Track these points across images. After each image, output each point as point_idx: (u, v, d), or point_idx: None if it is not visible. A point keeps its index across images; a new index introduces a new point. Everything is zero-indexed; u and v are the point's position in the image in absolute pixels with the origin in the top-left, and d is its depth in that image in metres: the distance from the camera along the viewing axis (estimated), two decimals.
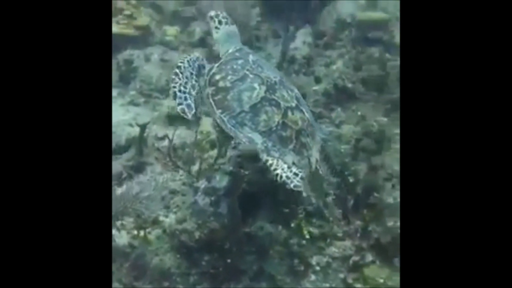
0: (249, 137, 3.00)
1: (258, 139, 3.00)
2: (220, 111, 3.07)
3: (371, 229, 3.50)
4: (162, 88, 5.00)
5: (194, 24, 5.79)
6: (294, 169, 2.91)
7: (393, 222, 3.43)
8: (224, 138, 3.53)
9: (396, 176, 3.76)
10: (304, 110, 3.20)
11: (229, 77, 3.14)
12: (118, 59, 5.24)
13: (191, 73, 3.20)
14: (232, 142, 3.58)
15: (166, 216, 3.58)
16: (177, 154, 3.86)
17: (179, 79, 3.15)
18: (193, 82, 3.18)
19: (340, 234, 3.60)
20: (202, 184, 3.57)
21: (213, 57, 3.29)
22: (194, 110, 3.07)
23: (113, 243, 3.27)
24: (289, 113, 3.08)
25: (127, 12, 5.54)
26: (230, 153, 3.63)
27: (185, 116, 3.06)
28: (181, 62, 3.21)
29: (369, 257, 3.44)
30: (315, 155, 3.12)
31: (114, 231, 3.24)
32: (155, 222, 3.52)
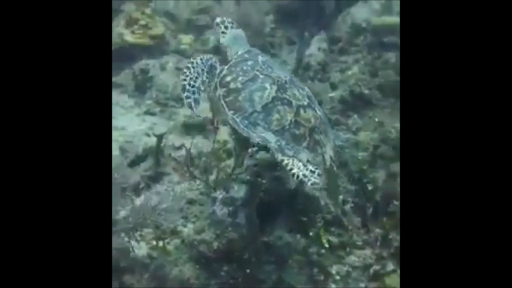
0: (263, 137, 2.98)
1: (271, 138, 2.98)
2: (232, 112, 3.07)
3: (391, 237, 3.47)
4: (177, 97, 5.00)
5: (208, 32, 5.81)
6: (310, 167, 2.88)
7: None
8: (240, 147, 3.51)
9: None
10: (316, 108, 3.19)
11: (239, 78, 3.16)
12: (134, 69, 5.30)
13: (203, 70, 3.28)
14: (249, 150, 3.57)
15: (185, 226, 3.57)
16: (194, 163, 3.86)
17: (190, 73, 3.25)
18: (204, 78, 3.25)
19: (359, 243, 3.57)
20: (220, 194, 3.56)
21: (227, 63, 3.32)
22: (199, 105, 3.15)
23: (132, 254, 3.28)
24: (301, 111, 3.07)
25: (142, 22, 5.58)
26: (247, 162, 3.62)
27: (191, 110, 3.18)
28: (194, 59, 3.30)
29: (390, 266, 3.41)
30: (329, 152, 3.08)
31: (133, 242, 3.25)
32: (174, 233, 3.51)
